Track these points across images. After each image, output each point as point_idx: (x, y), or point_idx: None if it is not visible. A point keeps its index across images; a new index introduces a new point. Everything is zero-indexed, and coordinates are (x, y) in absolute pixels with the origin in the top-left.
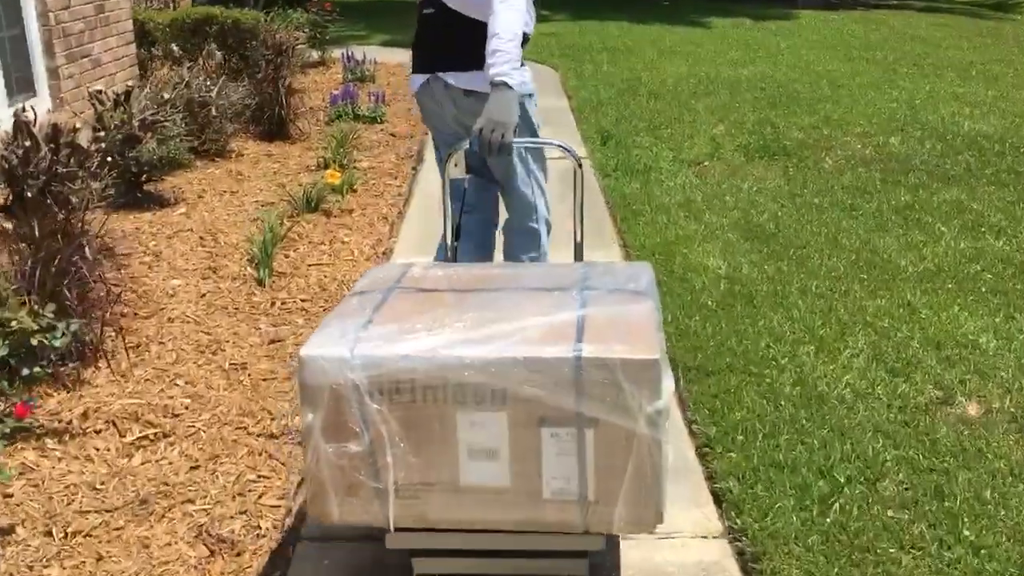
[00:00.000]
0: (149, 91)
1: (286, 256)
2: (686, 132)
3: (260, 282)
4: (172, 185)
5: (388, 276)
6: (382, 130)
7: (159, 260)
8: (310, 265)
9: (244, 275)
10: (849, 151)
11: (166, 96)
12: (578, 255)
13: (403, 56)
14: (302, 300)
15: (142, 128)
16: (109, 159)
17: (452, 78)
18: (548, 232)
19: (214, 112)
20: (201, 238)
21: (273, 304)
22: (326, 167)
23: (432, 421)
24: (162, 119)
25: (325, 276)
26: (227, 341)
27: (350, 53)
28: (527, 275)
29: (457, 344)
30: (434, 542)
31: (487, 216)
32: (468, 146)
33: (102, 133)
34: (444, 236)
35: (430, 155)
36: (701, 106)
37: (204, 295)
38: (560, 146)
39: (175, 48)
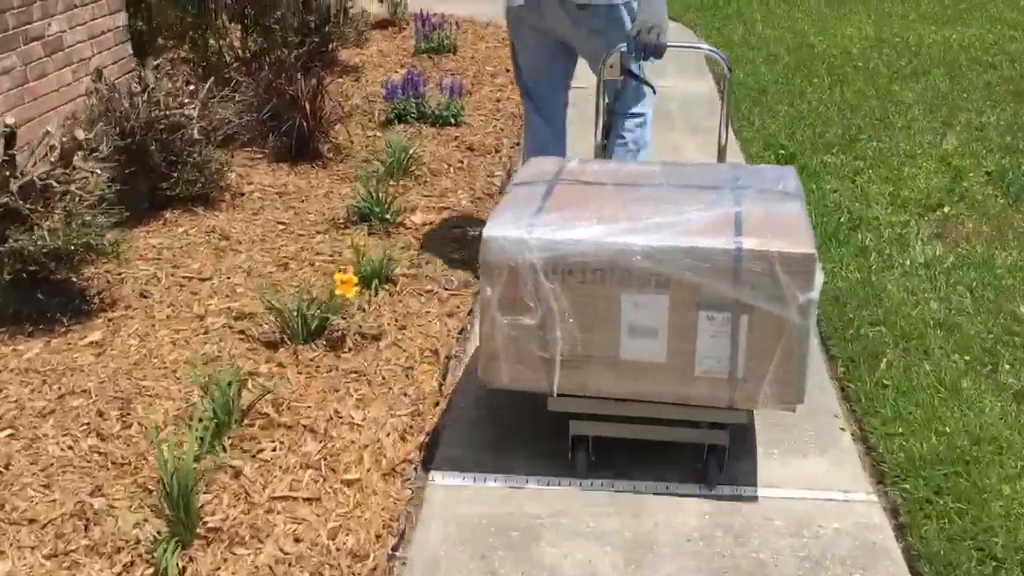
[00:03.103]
0: (69, 122)
1: (233, 478)
2: (900, 146)
3: None
4: (106, 270)
5: (548, 169)
6: (456, 139)
7: None
8: (275, 500)
9: (138, 545)
10: None
11: (80, 136)
12: (721, 157)
13: (495, 8)
14: None
15: (26, 196)
16: None
17: None
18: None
19: (196, 135)
20: (100, 413)
21: None
22: (361, 219)
23: (599, 300)
24: (56, 182)
25: (299, 542)
26: None
27: (425, 14)
28: (680, 173)
29: (625, 232)
30: (590, 407)
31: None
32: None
33: None
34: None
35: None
36: (910, 95)
37: None
38: (709, 50)
39: (173, 18)
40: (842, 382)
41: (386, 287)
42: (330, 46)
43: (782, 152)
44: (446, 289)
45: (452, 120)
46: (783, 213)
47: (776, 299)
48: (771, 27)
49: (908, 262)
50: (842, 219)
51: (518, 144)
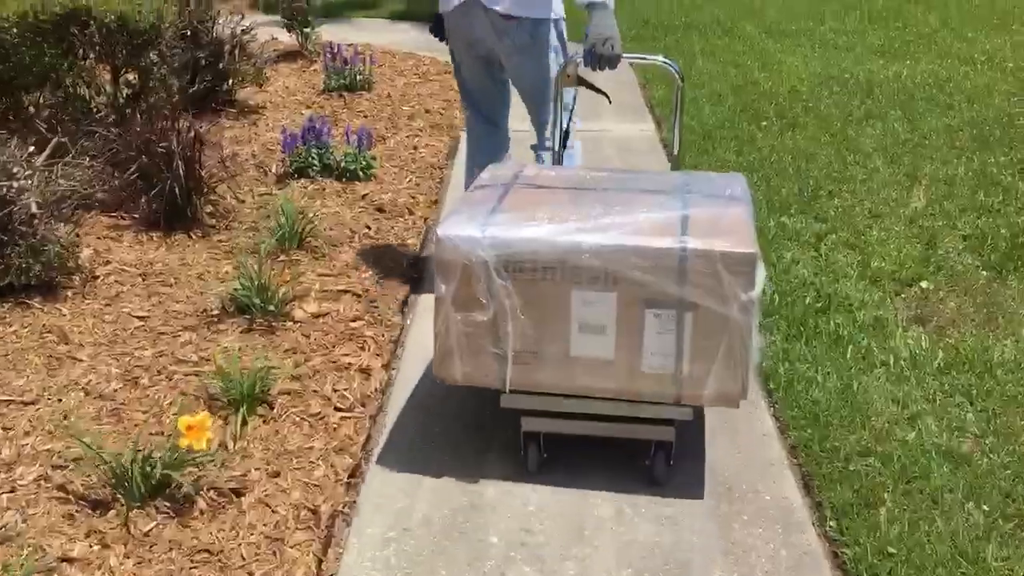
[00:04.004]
0: None
1: None
2: (864, 204)
3: None
4: None
5: (505, 174)
6: (365, 197)
7: None
8: None
9: None
10: None
11: None
12: (675, 166)
13: (415, 37)
14: None
15: None
16: None
17: (488, 2)
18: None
19: (33, 209)
20: None
21: None
22: (239, 310)
23: (550, 298)
24: None
25: None
26: None
27: (336, 46)
28: (633, 179)
29: (575, 231)
30: (542, 404)
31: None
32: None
33: None
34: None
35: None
36: (868, 142)
37: None
38: (664, 62)
39: (30, 59)
40: (834, 545)
41: (260, 411)
42: (225, 86)
43: None
44: (337, 410)
45: (361, 174)
46: (728, 216)
47: (719, 297)
48: (712, 61)
49: (892, 359)
50: (809, 299)
51: (436, 202)
